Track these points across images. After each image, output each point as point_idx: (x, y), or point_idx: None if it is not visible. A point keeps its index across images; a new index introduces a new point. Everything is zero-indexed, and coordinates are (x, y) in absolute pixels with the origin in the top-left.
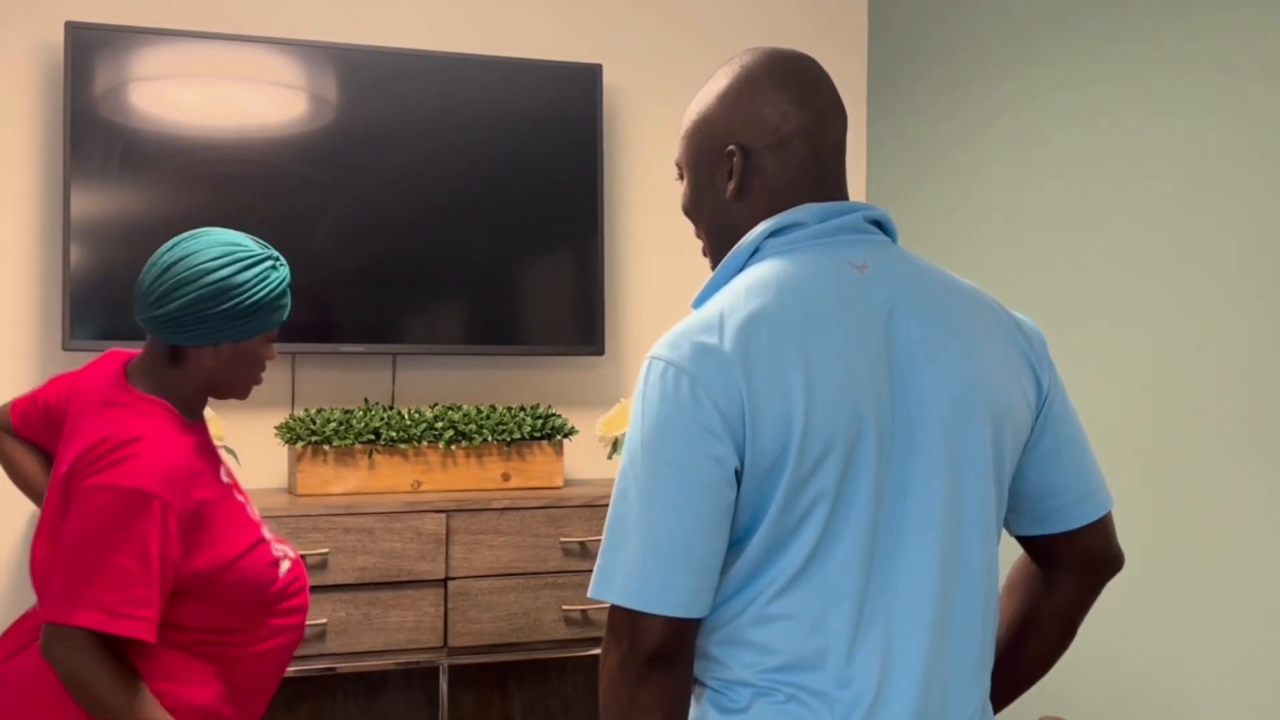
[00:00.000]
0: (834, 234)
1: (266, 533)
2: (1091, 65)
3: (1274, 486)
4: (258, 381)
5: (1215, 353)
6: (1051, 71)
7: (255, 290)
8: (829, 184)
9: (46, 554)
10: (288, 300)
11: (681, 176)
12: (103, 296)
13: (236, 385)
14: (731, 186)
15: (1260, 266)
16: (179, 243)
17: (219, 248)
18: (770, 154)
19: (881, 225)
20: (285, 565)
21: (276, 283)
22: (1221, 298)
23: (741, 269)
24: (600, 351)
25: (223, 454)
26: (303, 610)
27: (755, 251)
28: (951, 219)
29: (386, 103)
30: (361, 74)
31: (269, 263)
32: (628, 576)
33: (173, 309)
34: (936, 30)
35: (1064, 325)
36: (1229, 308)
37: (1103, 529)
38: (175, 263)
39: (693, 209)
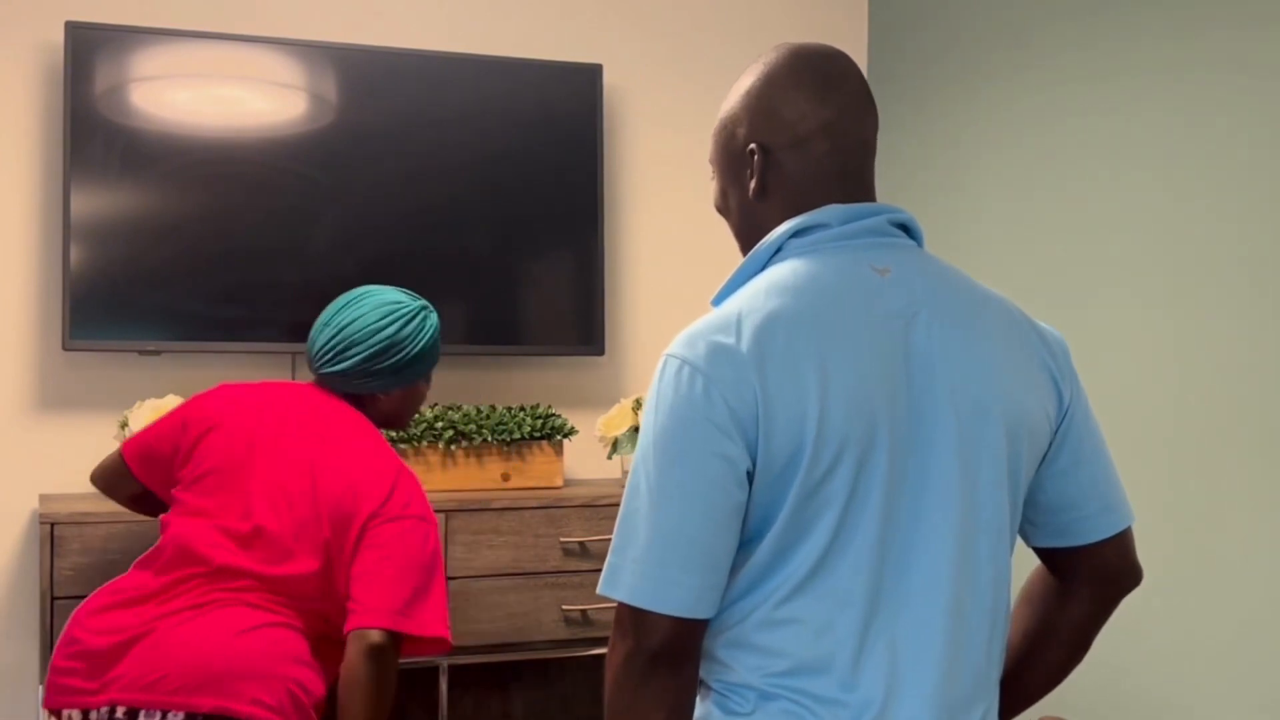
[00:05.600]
0: (857, 236)
1: None
2: (1093, 61)
3: (1275, 490)
4: (418, 411)
5: (1231, 357)
6: (1052, 69)
7: (417, 341)
8: (852, 182)
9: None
10: (439, 343)
11: (714, 175)
12: (103, 296)
13: (404, 419)
14: (754, 185)
15: (1275, 266)
16: (346, 304)
17: (384, 307)
18: (790, 153)
19: (907, 228)
20: None
21: (431, 330)
22: (1230, 298)
23: (763, 268)
24: (600, 352)
25: None
26: None
27: (777, 251)
28: (953, 218)
29: (386, 103)
30: (361, 74)
31: (423, 313)
32: (635, 574)
33: (347, 366)
34: (936, 30)
35: (1068, 327)
36: (1236, 309)
37: (1121, 544)
38: (346, 324)
39: (722, 206)
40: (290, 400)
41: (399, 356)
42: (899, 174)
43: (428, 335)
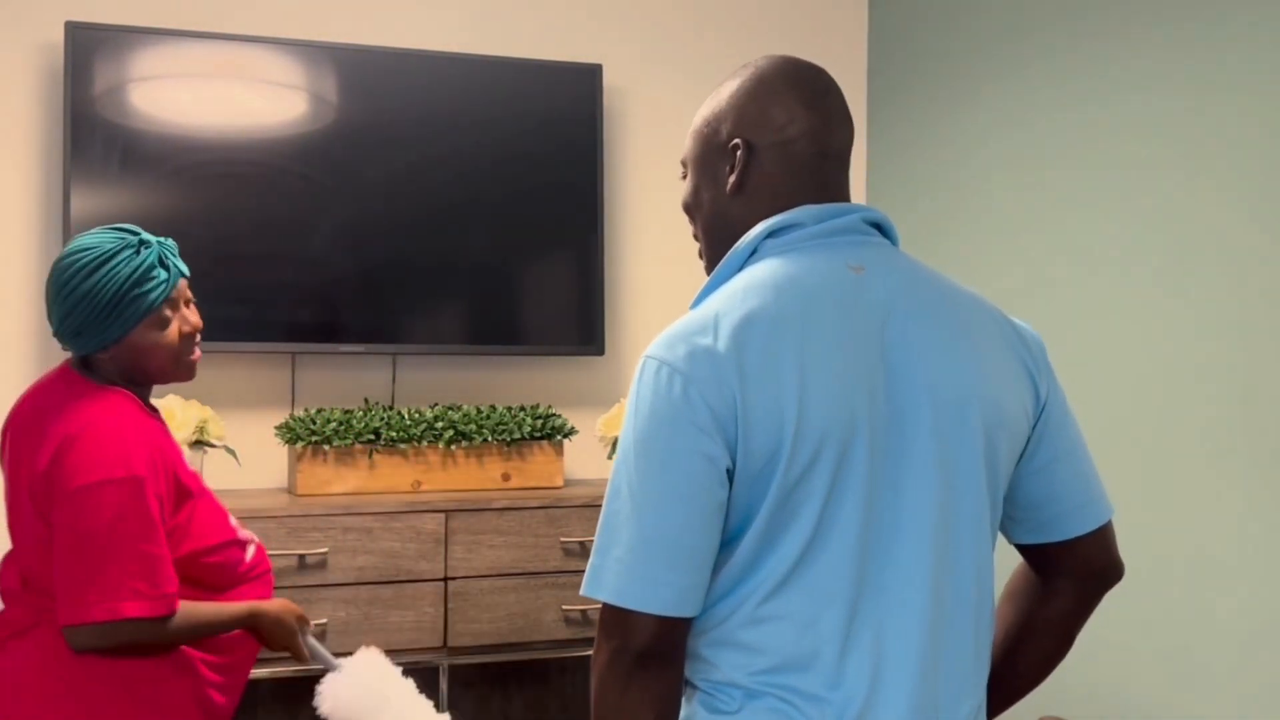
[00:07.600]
0: (832, 235)
1: (232, 520)
2: (1092, 60)
3: (1271, 488)
4: (188, 356)
5: (1213, 355)
6: (1052, 70)
7: (104, 289)
8: (830, 190)
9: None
10: (154, 279)
11: (685, 175)
12: None
13: (156, 372)
14: (733, 180)
15: (1262, 263)
16: (57, 260)
17: (70, 257)
18: (774, 152)
19: (881, 227)
20: (251, 549)
21: (130, 271)
22: (1222, 298)
23: (740, 269)
24: (600, 351)
25: (223, 453)
26: (270, 589)
27: (753, 252)
28: (951, 220)
29: (386, 103)
30: (361, 74)
31: (123, 254)
32: (618, 574)
33: (56, 324)
34: (936, 30)
35: (1063, 327)
36: (1229, 309)
37: (1102, 538)
38: (50, 281)
39: (692, 204)
40: (24, 397)
41: (90, 309)
42: (897, 173)
43: (120, 280)
